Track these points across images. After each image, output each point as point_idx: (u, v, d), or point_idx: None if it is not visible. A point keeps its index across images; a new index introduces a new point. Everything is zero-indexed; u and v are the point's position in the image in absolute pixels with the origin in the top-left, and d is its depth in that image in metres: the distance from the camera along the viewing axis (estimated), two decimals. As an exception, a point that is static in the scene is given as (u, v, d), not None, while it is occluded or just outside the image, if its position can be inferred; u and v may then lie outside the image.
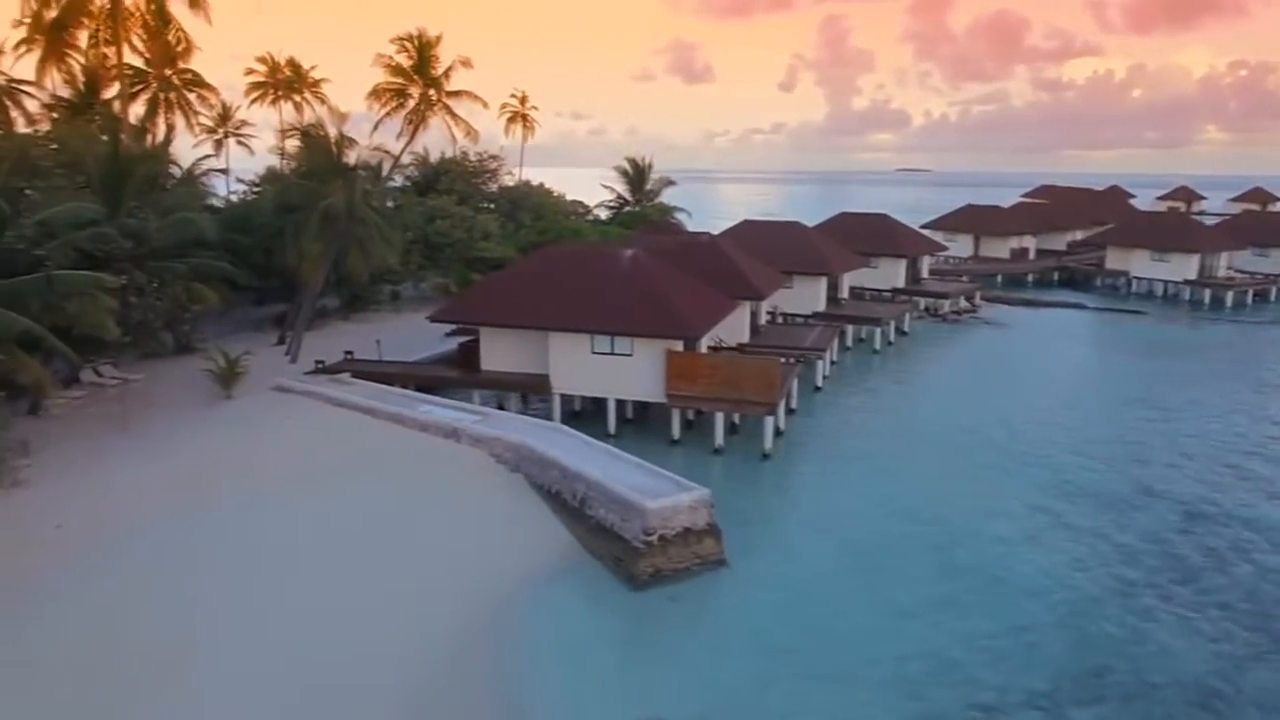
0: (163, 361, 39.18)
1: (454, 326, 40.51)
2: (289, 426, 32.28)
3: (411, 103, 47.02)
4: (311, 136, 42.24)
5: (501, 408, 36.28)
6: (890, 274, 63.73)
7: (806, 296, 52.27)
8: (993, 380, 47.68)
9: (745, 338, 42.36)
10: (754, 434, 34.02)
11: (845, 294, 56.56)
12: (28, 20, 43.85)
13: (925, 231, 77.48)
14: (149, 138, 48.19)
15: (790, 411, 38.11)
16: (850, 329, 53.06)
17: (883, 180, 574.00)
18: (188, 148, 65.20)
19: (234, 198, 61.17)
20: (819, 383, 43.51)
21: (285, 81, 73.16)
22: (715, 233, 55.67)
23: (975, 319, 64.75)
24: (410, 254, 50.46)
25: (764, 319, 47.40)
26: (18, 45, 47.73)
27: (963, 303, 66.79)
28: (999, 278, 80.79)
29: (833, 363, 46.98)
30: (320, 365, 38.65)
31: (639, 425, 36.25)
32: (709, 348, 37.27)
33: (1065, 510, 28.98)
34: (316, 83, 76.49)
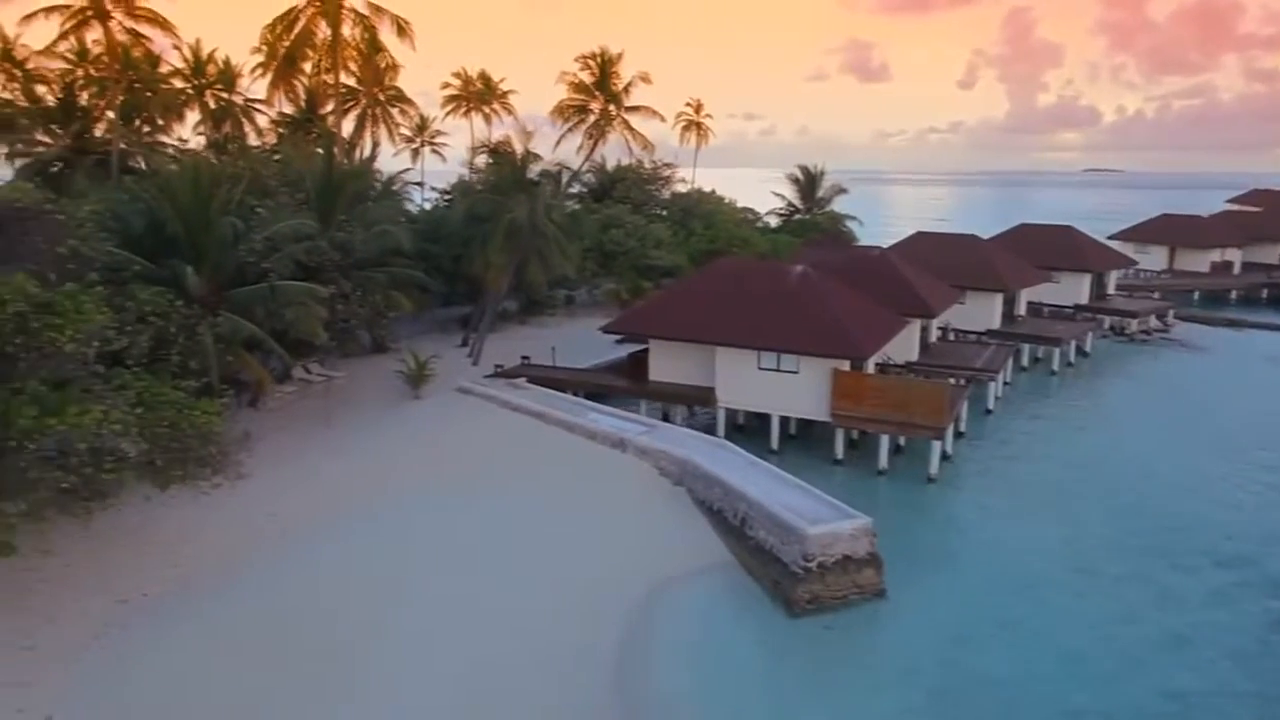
0: (360, 360, 42.30)
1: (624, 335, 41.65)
2: (469, 428, 34.21)
3: (592, 118, 48.54)
4: (500, 153, 44.46)
5: (667, 417, 37.08)
6: (1072, 289, 60.14)
7: (981, 313, 50.27)
8: (1183, 410, 44.08)
9: (914, 355, 41.35)
10: (920, 456, 33.25)
11: (1022, 310, 54.03)
12: (264, 47, 48.47)
13: (1113, 243, 72.67)
14: (357, 152, 52.13)
15: (959, 435, 36.97)
16: (1026, 348, 50.70)
17: (1068, 182, 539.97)
18: (388, 156, 70.19)
19: (427, 205, 65.08)
20: (990, 405, 41.88)
21: (477, 94, 77.00)
22: (887, 243, 54.48)
23: (1167, 340, 60.22)
24: (585, 261, 52.07)
25: (935, 336, 46.07)
26: (254, 69, 52.98)
27: (1153, 322, 62.27)
28: (1196, 295, 74.60)
29: (1006, 384, 45.09)
30: (499, 369, 40.63)
31: (802, 442, 36.13)
32: (876, 365, 36.70)
33: (1258, 567, 26.70)
34: (505, 94, 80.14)
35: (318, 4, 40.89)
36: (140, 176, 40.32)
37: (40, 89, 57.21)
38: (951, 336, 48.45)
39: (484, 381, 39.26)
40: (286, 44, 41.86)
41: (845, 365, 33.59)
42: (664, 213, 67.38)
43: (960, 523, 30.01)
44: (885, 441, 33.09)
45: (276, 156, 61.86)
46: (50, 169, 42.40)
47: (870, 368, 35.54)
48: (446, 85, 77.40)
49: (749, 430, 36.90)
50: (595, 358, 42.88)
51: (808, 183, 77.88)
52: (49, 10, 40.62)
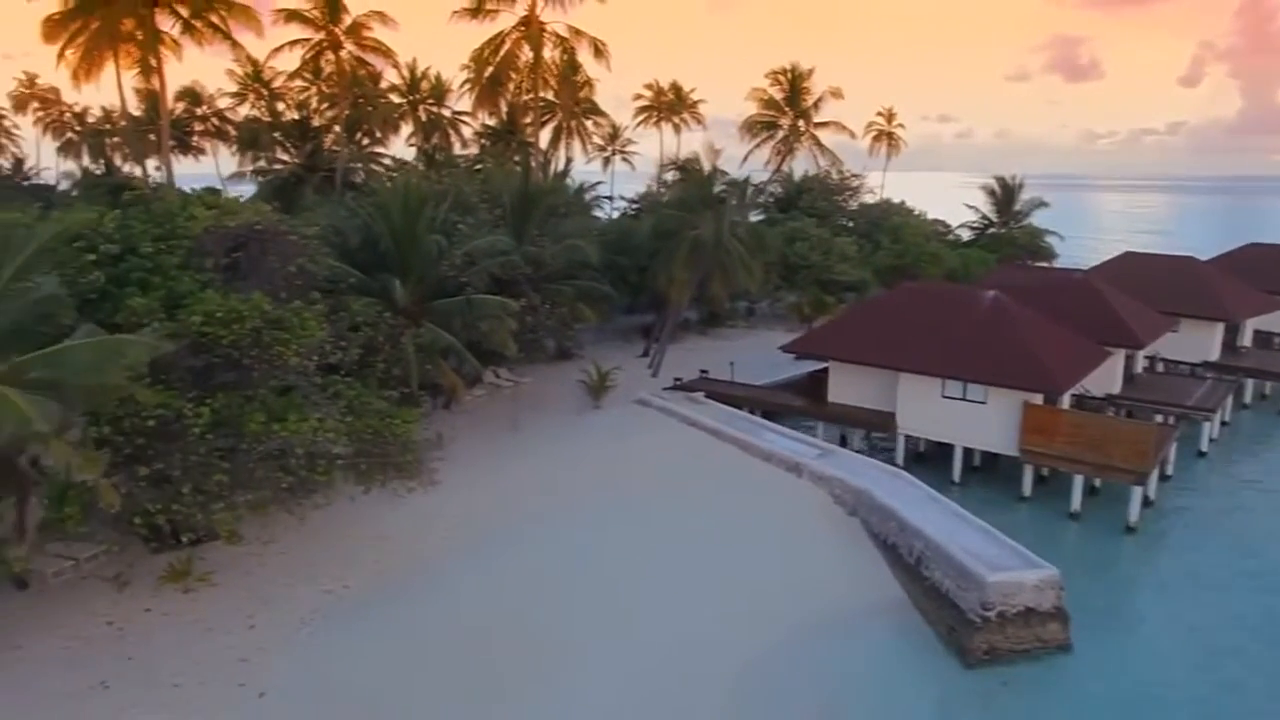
0: (546, 366, 43.94)
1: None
2: (646, 442, 34.79)
3: (781, 133, 48.24)
4: (687, 170, 44.99)
5: (844, 441, 36.33)
6: (1310, 318, 54.03)
7: (1196, 343, 45.95)
8: None
9: (1116, 388, 38.49)
10: (1117, 499, 30.92)
11: (1247, 341, 49.06)
12: (472, 64, 51.46)
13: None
14: (552, 164, 54.31)
15: (1164, 479, 34.07)
16: (1250, 383, 46.03)
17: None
18: (580, 164, 72.58)
19: (614, 214, 66.80)
20: (1204, 446, 38.31)
21: (668, 104, 78.25)
22: (1091, 260, 50.90)
23: None
24: (768, 274, 51.76)
25: (1141, 366, 42.66)
26: (462, 85, 56.48)
27: None
28: None
29: (1224, 423, 41.10)
30: (677, 382, 41.11)
31: (986, 475, 34.46)
32: (1073, 397, 34.46)
33: None
34: (694, 104, 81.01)
35: (521, 29, 42.81)
36: (359, 192, 43.67)
37: (280, 106, 63.51)
38: (1160, 367, 44.71)
39: (662, 394, 39.83)
40: (492, 67, 44.18)
41: (1037, 399, 31.76)
42: (850, 224, 65.98)
43: (1159, 580, 27.64)
44: (1079, 482, 31.01)
45: (479, 167, 65.64)
46: (285, 184, 46.61)
47: (1065, 399, 33.44)
48: (639, 96, 79.19)
49: (930, 459, 35.56)
50: (773, 373, 42.58)
51: (1004, 195, 73.96)
52: (293, 44, 44.74)
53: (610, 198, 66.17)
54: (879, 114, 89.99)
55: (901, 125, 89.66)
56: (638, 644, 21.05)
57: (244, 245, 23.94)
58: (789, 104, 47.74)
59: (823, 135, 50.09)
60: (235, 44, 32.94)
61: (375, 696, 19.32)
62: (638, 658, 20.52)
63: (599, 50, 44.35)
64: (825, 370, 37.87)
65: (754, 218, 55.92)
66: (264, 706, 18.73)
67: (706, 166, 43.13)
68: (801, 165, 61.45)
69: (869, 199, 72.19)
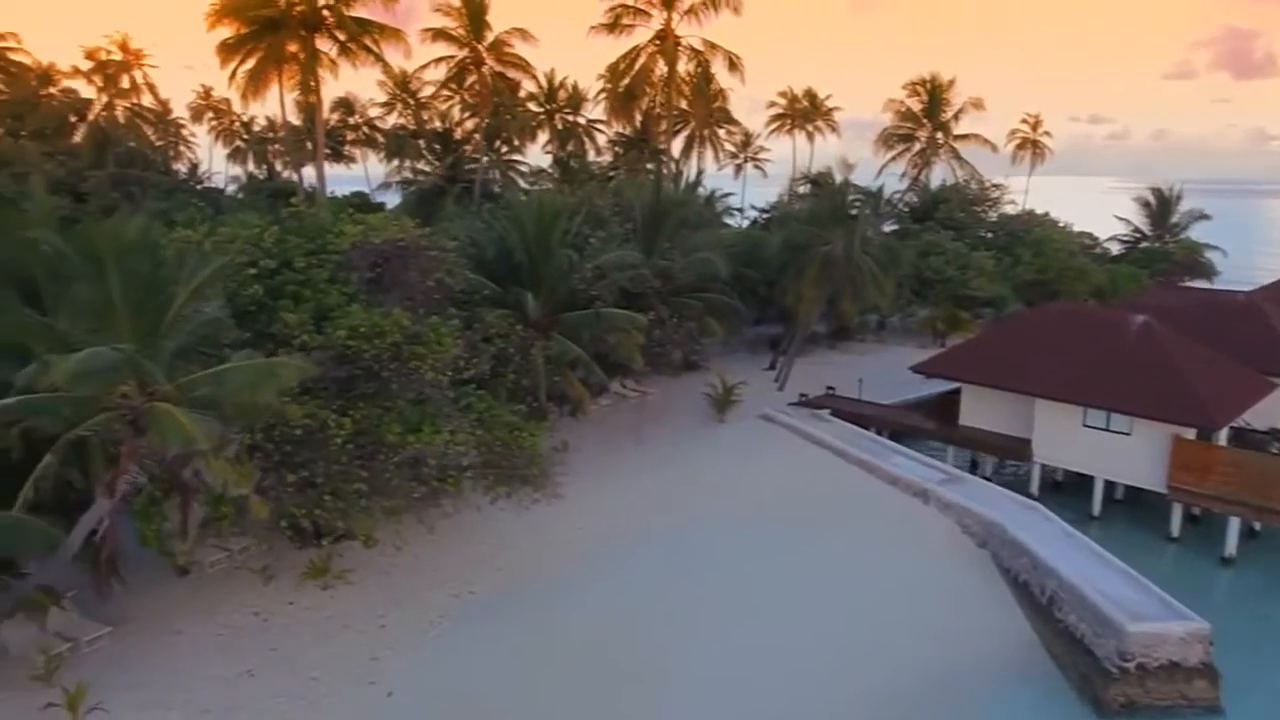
0: (671, 377, 44.03)
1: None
2: (769, 458, 34.46)
3: (918, 145, 46.88)
4: (820, 184, 44.31)
5: (975, 467, 34.99)
6: None
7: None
8: None
9: (1281, 421, 35.60)
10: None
11: None
12: (607, 73, 52.25)
13: None
14: (684, 174, 54.57)
15: (1335, 524, 31.28)
16: None
17: None
18: (712, 172, 72.64)
19: (744, 223, 66.43)
20: (1382, 488, 34.93)
21: (802, 112, 77.29)
22: (1257, 277, 47.18)
23: None
24: (901, 289, 50.35)
25: (1311, 398, 39.25)
26: (597, 94, 57.40)
27: None
28: None
29: (1406, 464, 37.39)
30: (803, 398, 40.52)
31: (1129, 510, 32.49)
32: (1232, 429, 32.09)
33: None
34: (829, 111, 79.69)
35: (656, 44, 43.16)
36: (496, 203, 45.01)
37: (425, 114, 66.30)
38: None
39: (787, 410, 39.34)
40: (627, 81, 44.77)
41: (1189, 433, 29.72)
42: (989, 236, 63.38)
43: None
44: (1235, 525, 28.82)
45: (611, 176, 66.51)
46: (427, 194, 48.56)
47: (1223, 434, 31.16)
48: (772, 104, 78.51)
49: (1067, 489, 33.76)
50: (902, 392, 41.36)
51: (1159, 207, 69.47)
52: (438, 60, 46.67)
53: (740, 210, 65.88)
54: (1024, 120, 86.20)
55: (1048, 133, 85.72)
56: (750, 676, 20.84)
57: (387, 260, 25.03)
58: (927, 116, 46.31)
59: (962, 147, 48.36)
60: (385, 65, 34.73)
61: (495, 701, 19.87)
62: (750, 691, 20.31)
63: (733, 64, 44.29)
64: (957, 391, 36.53)
65: (887, 228, 54.57)
66: (391, 705, 19.57)
67: (839, 179, 42.32)
68: (939, 175, 59.57)
69: (1010, 209, 69.12)
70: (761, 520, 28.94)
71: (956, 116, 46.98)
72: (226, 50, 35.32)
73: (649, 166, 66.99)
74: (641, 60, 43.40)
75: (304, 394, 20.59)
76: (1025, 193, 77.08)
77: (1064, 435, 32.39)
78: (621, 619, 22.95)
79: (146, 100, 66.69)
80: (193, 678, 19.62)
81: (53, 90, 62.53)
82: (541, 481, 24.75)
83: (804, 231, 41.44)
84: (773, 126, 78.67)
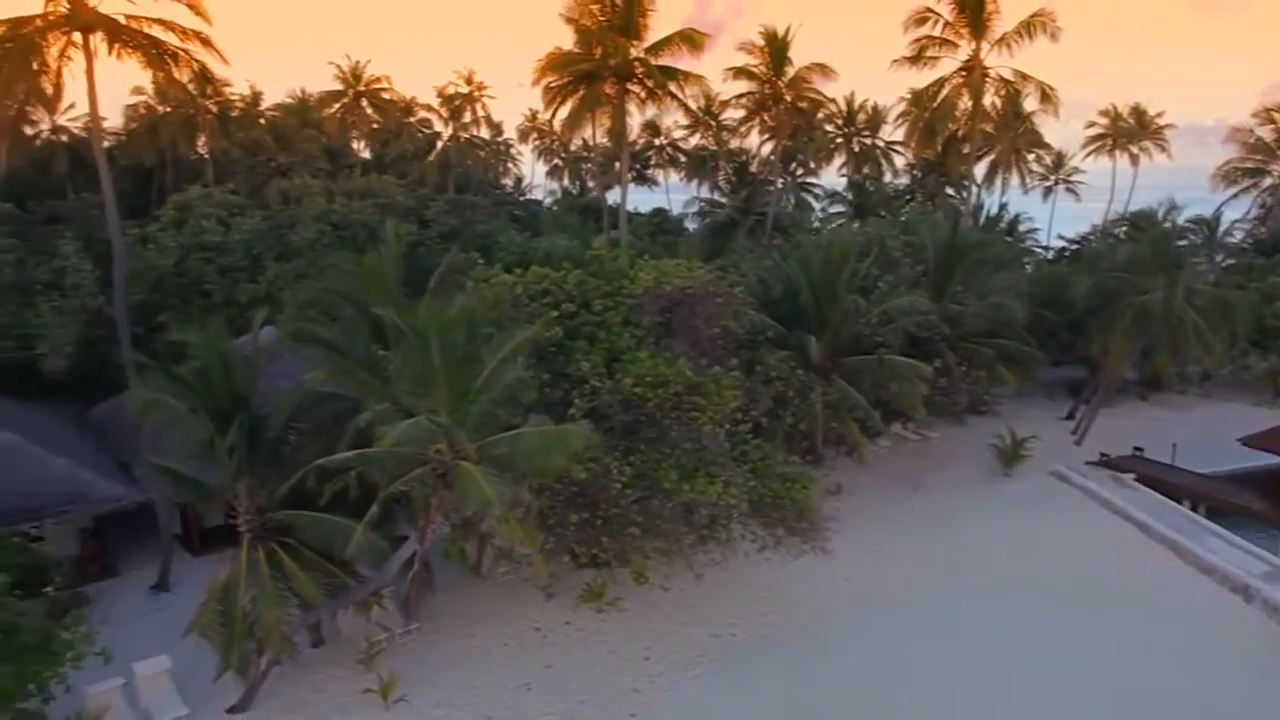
0: (955, 421, 41.41)
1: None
2: (1057, 525, 31.43)
3: (1269, 180, 40.46)
4: (1139, 227, 39.59)
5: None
6: None
7: None
8: None
9: None
10: None
11: None
12: (907, 97, 50.17)
13: None
14: (985, 203, 51.19)
15: None
16: None
17: None
18: (1016, 195, 67.45)
19: (1049, 253, 61.04)
20: None
21: (1125, 131, 69.53)
22: None
23: None
24: (1234, 342, 43.75)
25: None
26: (896, 118, 55.18)
27: None
28: None
29: None
30: (1104, 458, 36.56)
31: None
32: None
33: None
34: (1160, 129, 71.03)
35: (963, 75, 40.70)
36: (787, 238, 44.79)
37: (725, 134, 67.65)
38: None
39: (1083, 469, 35.72)
40: (929, 112, 42.70)
41: None
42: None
43: None
44: None
45: (909, 198, 63.81)
46: (720, 226, 49.45)
47: None
48: (1091, 124, 71.27)
49: None
50: (1227, 459, 35.95)
51: None
52: (739, 97, 47.52)
53: (1045, 248, 60.62)
54: None
55: None
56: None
57: (677, 305, 25.69)
58: (1283, 145, 39.80)
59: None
60: (689, 110, 35.75)
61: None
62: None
63: (1046, 95, 40.67)
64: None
65: (1223, 262, 47.59)
66: (648, 743, 20.17)
67: (1162, 218, 37.52)
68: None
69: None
70: (1042, 594, 26.51)
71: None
72: (549, 94, 38.14)
73: (949, 192, 63.68)
74: (945, 93, 41.10)
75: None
76: None
77: None
78: (881, 684, 21.96)
79: (484, 132, 73.67)
80: (480, 683, 21.43)
81: (411, 120, 71.00)
82: (811, 535, 24.27)
83: (1117, 277, 37.23)
84: (1091, 149, 71.46)
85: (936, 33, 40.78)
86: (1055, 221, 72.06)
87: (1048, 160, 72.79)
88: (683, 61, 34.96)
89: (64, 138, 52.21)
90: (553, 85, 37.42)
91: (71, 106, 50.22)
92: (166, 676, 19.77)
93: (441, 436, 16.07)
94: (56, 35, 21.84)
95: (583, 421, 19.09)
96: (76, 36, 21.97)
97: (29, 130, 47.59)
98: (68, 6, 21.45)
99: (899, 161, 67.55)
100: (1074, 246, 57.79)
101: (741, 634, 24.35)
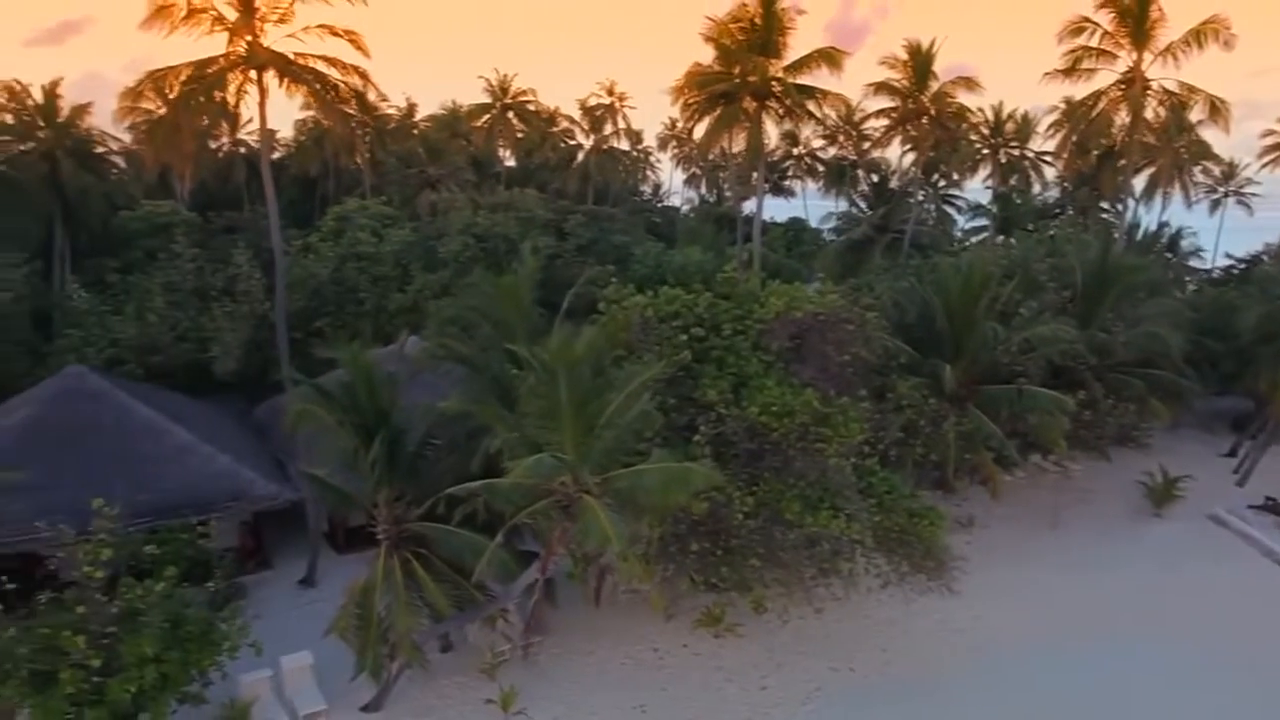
0: (1098, 453, 38.79)
1: None
2: (1213, 573, 29.09)
3: None
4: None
5: None
6: None
7: None
8: None
9: None
10: None
11: None
12: (1060, 106, 47.37)
13: None
14: (1141, 222, 47.75)
15: None
16: None
17: None
18: (1179, 210, 62.59)
19: (1215, 270, 56.52)
20: None
21: (1309, 140, 63.42)
22: None
23: None
24: None
25: None
26: (1048, 129, 52.23)
27: None
28: None
29: None
30: (1270, 503, 33.52)
31: None
32: None
33: None
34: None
35: (1121, 88, 37.99)
36: (925, 257, 43.17)
37: (866, 145, 66.03)
38: None
39: (1246, 513, 32.89)
40: (1081, 129, 40.11)
41: None
42: None
43: None
44: None
45: (1057, 212, 60.34)
46: (856, 244, 48.21)
47: None
48: (1269, 133, 65.27)
49: None
50: None
51: None
52: (879, 113, 46.12)
53: (1210, 270, 56.05)
54: None
55: None
56: None
57: (807, 332, 25.16)
58: None
59: None
60: (826, 126, 35.01)
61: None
62: None
63: (1216, 109, 37.44)
64: None
65: None
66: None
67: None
68: None
69: None
70: (1192, 649, 24.55)
71: None
72: (687, 109, 38.18)
73: (1103, 206, 59.74)
74: (1101, 107, 38.46)
75: (716, 459, 21.67)
76: None
77: None
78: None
79: (624, 143, 74.54)
80: (596, 701, 21.66)
81: (554, 130, 72.58)
82: (937, 573, 23.32)
83: (1293, 308, 34.03)
84: (1269, 158, 65.48)
85: (1094, 43, 38.22)
86: (1224, 236, 66.63)
87: (1216, 171, 67.29)
88: (822, 79, 34.25)
89: (242, 150, 56.31)
90: (690, 102, 37.41)
91: (249, 121, 54.02)
92: (309, 671, 20.93)
93: (566, 470, 16.34)
94: (236, 74, 23.68)
95: (705, 461, 18.98)
96: (252, 74, 23.76)
97: (212, 144, 51.47)
98: (245, 48, 23.24)
99: (1049, 173, 63.98)
100: (1243, 266, 53.11)
101: (860, 669, 23.64)
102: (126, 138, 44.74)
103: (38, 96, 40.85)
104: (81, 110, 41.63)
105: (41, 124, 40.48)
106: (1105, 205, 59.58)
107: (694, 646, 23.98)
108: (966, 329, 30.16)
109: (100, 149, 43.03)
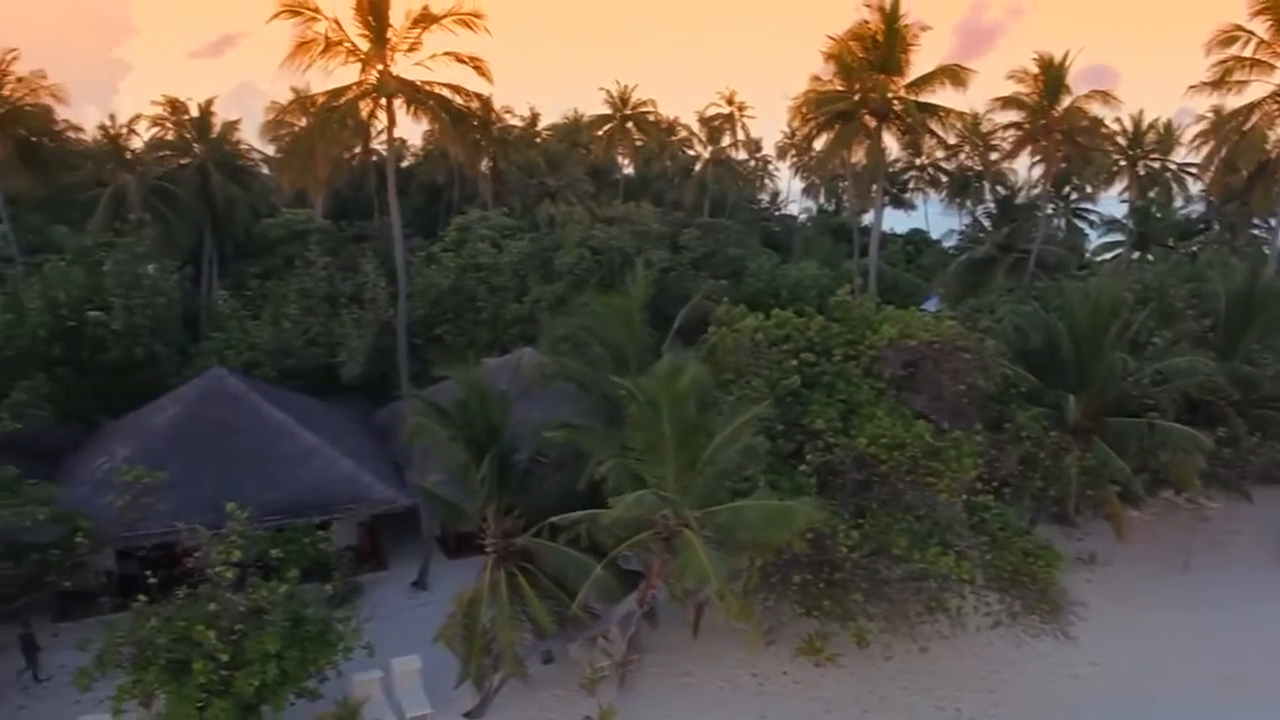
0: (1238, 491, 36.04)
1: None
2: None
3: None
4: None
5: None
6: None
7: None
8: None
9: None
10: None
11: None
12: (1208, 116, 44.10)
13: None
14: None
15: None
16: None
17: None
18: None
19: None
20: None
21: None
22: None
23: None
24: None
25: None
26: (1193, 139, 48.72)
27: None
28: None
29: None
30: None
31: None
32: None
33: None
34: None
35: (1277, 101, 35.21)
36: (1051, 278, 41.12)
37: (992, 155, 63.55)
38: None
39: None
40: (1230, 144, 37.34)
41: None
42: None
43: None
44: None
45: (1202, 229, 56.37)
46: (978, 263, 46.40)
47: None
48: None
49: None
50: None
51: None
52: (1007, 127, 44.10)
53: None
54: None
55: None
56: None
57: (921, 360, 24.36)
58: None
59: None
60: (947, 146, 33.81)
61: None
62: None
63: None
64: None
65: None
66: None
67: None
68: None
69: None
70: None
71: None
72: (806, 124, 37.69)
73: (1254, 221, 55.49)
74: (1253, 121, 35.68)
75: (822, 488, 21.27)
76: None
77: None
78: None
79: (742, 153, 74.15)
80: (690, 724, 21.62)
81: (673, 139, 72.83)
82: (1052, 616, 22.18)
83: None
84: None
85: (1247, 53, 35.56)
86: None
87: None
88: (946, 96, 33.15)
89: (375, 158, 58.81)
90: (809, 120, 36.90)
91: (382, 132, 56.34)
92: (417, 675, 21.67)
93: (666, 505, 16.33)
94: (367, 102, 24.82)
95: (811, 490, 18.61)
96: (382, 101, 24.85)
97: (345, 155, 53.99)
98: (377, 77, 24.33)
99: (1193, 186, 59.89)
100: None
101: (967, 711, 22.71)
102: (270, 149, 47.61)
103: (193, 111, 43.85)
104: (232, 126, 44.54)
105: (196, 138, 43.41)
106: (1257, 221, 55.40)
107: (794, 674, 23.60)
108: (1093, 358, 28.50)
109: (246, 162, 45.82)
